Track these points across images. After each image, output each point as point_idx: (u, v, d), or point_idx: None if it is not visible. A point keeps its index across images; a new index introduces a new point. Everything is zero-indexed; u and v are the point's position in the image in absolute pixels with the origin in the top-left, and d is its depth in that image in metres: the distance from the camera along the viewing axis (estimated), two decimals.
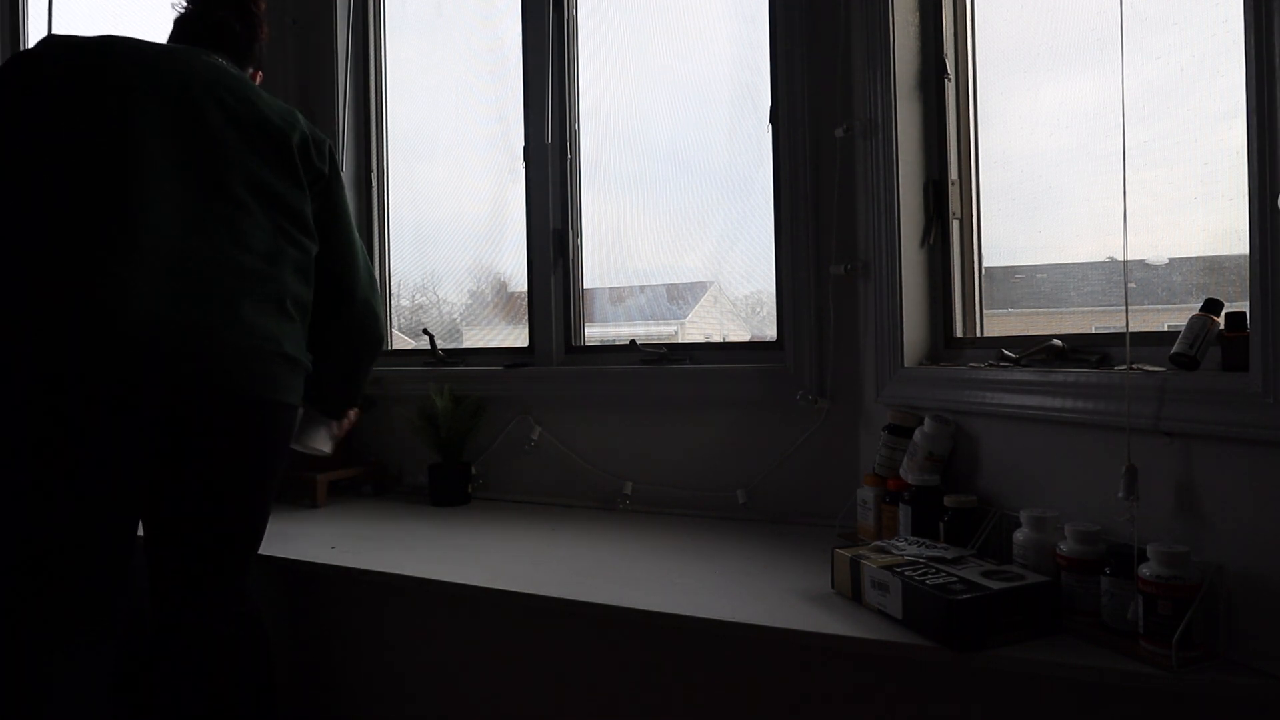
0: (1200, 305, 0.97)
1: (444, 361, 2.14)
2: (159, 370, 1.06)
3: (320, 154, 1.31)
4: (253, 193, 1.19)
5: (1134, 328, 1.06)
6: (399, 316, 2.38)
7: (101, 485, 1.06)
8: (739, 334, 1.94)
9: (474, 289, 2.29)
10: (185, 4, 1.32)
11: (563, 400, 1.94)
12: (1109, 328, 1.23)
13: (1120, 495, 0.96)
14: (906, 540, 1.22)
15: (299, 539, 1.60)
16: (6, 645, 1.03)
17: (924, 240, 1.49)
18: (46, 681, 1.03)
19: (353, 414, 1.53)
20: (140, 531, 1.20)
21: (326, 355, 1.35)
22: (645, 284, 2.00)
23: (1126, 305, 1.03)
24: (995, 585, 0.99)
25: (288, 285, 1.21)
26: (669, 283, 1.98)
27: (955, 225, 1.48)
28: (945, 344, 1.49)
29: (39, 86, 1.10)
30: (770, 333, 1.81)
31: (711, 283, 1.95)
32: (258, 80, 1.40)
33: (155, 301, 1.05)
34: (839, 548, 1.20)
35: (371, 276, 1.41)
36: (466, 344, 2.26)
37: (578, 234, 2.03)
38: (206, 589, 1.21)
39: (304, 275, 1.26)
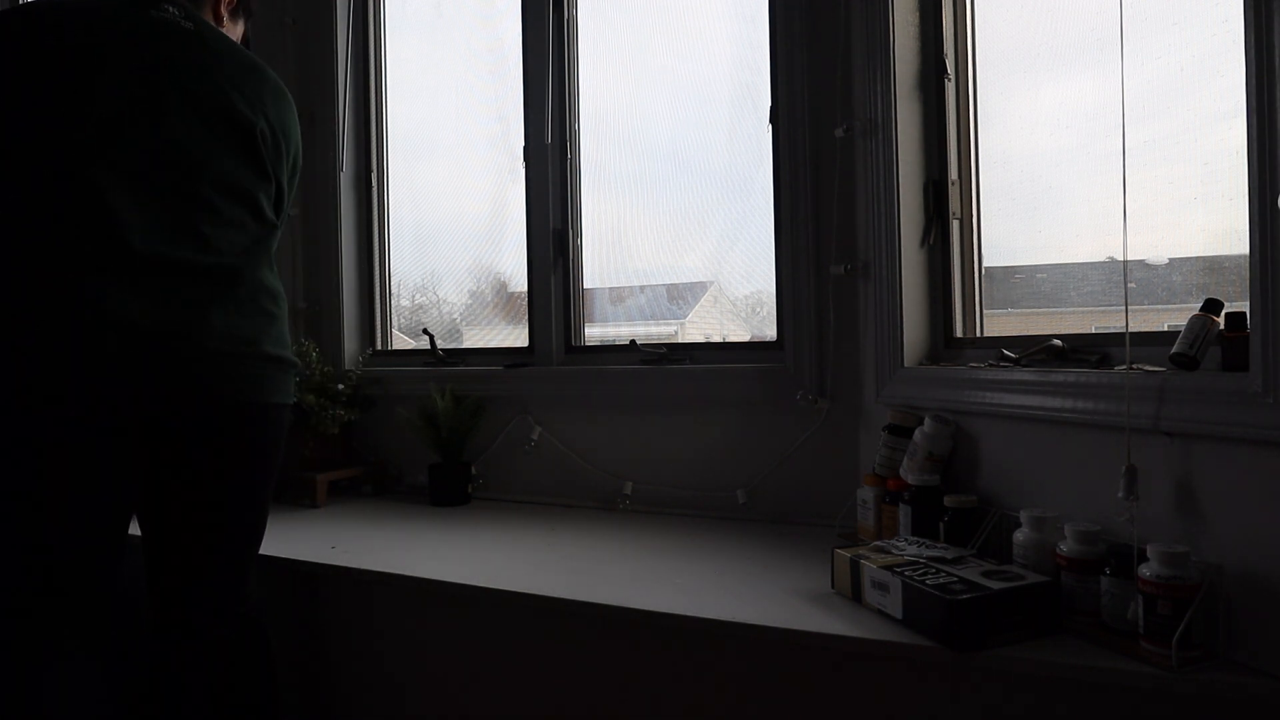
0: (1200, 305, 0.97)
1: (444, 361, 2.14)
2: (140, 381, 1.06)
3: (280, 161, 1.24)
4: (220, 191, 1.15)
5: (1134, 328, 1.06)
6: (399, 316, 2.38)
7: (89, 492, 1.06)
8: (739, 334, 1.94)
9: (474, 289, 2.29)
10: None
11: (563, 400, 1.94)
12: (1109, 328, 1.23)
13: (1120, 495, 0.96)
14: (906, 540, 1.22)
15: (299, 539, 1.60)
16: (1, 650, 1.03)
17: (924, 240, 1.49)
18: (42, 686, 1.03)
19: None
20: (137, 532, 1.20)
21: None
22: (645, 284, 2.00)
23: (1126, 305, 1.03)
24: (995, 585, 0.99)
25: (261, 281, 1.20)
26: (669, 283, 1.98)
27: (955, 225, 1.48)
28: (945, 344, 1.49)
29: None
30: (770, 333, 1.81)
31: (711, 283, 1.95)
32: (224, 4, 1.29)
33: (133, 313, 1.05)
34: (839, 548, 1.20)
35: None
36: (466, 344, 2.26)
37: (578, 234, 2.03)
38: (206, 593, 1.20)
39: (273, 265, 1.25)
